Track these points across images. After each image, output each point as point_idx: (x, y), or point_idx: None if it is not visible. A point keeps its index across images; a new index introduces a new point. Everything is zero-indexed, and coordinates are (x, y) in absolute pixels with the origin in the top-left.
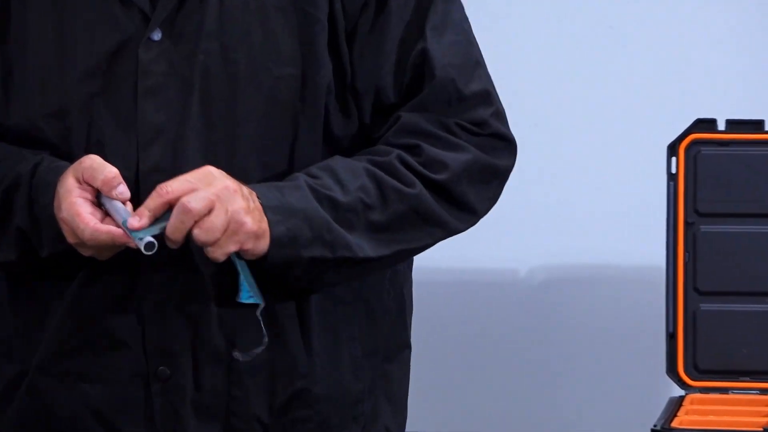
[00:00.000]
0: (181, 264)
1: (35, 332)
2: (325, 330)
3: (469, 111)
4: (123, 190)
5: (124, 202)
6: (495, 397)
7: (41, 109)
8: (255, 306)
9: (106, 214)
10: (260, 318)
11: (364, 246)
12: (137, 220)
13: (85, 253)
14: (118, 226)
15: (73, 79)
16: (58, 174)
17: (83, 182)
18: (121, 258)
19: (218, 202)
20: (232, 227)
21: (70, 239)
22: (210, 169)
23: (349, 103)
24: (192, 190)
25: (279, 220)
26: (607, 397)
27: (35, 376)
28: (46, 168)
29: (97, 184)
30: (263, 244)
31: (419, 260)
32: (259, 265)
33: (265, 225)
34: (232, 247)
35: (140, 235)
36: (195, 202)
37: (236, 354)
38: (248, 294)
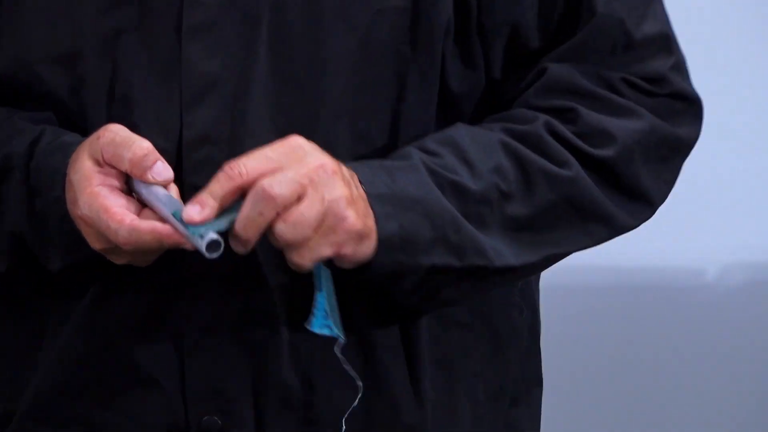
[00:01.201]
0: (240, 273)
1: (26, 365)
2: (437, 364)
3: (642, 62)
4: (161, 169)
5: (165, 186)
6: None
7: (43, 51)
8: (333, 339)
9: (143, 204)
10: (340, 356)
11: (502, 250)
12: (198, 211)
13: (119, 260)
14: (162, 219)
15: (89, 9)
16: (66, 154)
17: (105, 164)
18: (154, 263)
19: (311, 188)
20: (329, 222)
21: (97, 245)
22: (299, 142)
23: (474, 49)
24: (275, 171)
25: (389, 213)
26: None
27: (24, 423)
28: (48, 145)
29: (125, 166)
30: (366, 248)
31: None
32: (355, 277)
33: (370, 222)
34: (326, 251)
35: (200, 231)
36: (280, 186)
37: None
38: (324, 321)
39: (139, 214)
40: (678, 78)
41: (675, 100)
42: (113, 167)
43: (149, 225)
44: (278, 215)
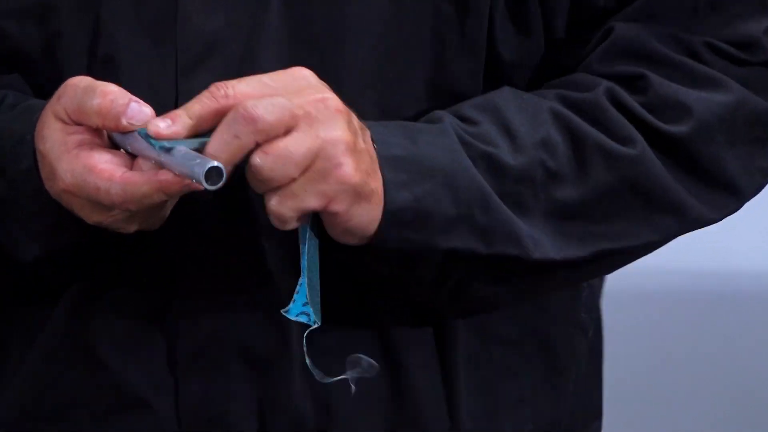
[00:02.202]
0: (244, 276)
1: None
2: (477, 389)
3: (730, 24)
4: (136, 110)
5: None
6: None
7: (8, 3)
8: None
9: (132, 156)
10: (305, 347)
11: (542, 240)
12: (167, 124)
13: (128, 227)
14: (158, 166)
15: None
16: (30, 119)
17: (73, 123)
18: (146, 261)
19: (305, 121)
20: (320, 166)
21: (95, 217)
22: (304, 72)
23: (530, 11)
24: (266, 96)
25: (402, 181)
26: None
27: None
28: (6, 112)
29: (94, 120)
30: (364, 212)
31: None
32: (356, 255)
33: (375, 184)
34: (313, 201)
35: (165, 144)
36: (265, 109)
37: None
38: (303, 307)
39: (132, 167)
40: None
41: None
42: (84, 124)
43: (144, 175)
44: (259, 146)
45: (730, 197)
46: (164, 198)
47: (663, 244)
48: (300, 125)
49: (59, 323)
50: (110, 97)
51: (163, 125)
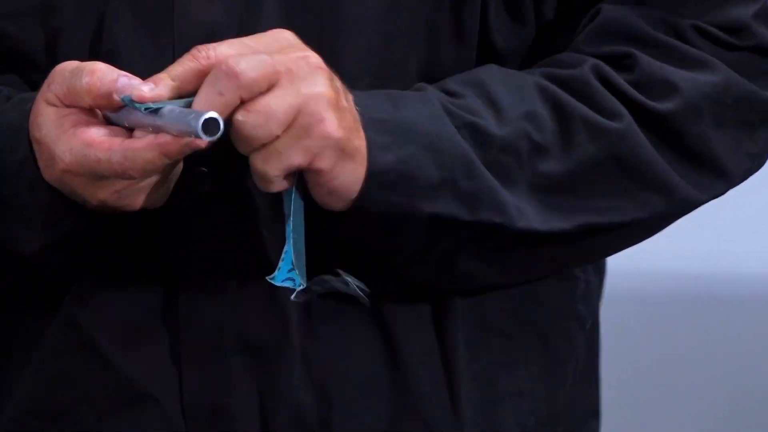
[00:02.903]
0: (245, 269)
1: None
2: (478, 380)
3: (718, 8)
4: (126, 84)
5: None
6: None
7: (11, 3)
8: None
9: (129, 130)
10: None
11: (525, 210)
12: (150, 87)
13: (133, 203)
14: (155, 134)
15: None
16: (24, 109)
17: (66, 107)
18: (147, 255)
19: (287, 77)
20: (303, 122)
21: (97, 194)
22: (285, 34)
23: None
24: (248, 54)
25: (386, 143)
26: None
27: None
28: (2, 105)
29: (86, 100)
30: (349, 171)
31: (618, 258)
32: (339, 223)
33: (359, 142)
34: (297, 157)
35: (151, 107)
36: (248, 65)
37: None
38: (288, 273)
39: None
40: (763, 29)
41: (760, 56)
42: (77, 106)
43: (143, 139)
44: (243, 103)
45: (717, 178)
46: (166, 161)
47: (653, 227)
48: (282, 81)
49: (61, 321)
50: (98, 75)
51: (146, 89)
